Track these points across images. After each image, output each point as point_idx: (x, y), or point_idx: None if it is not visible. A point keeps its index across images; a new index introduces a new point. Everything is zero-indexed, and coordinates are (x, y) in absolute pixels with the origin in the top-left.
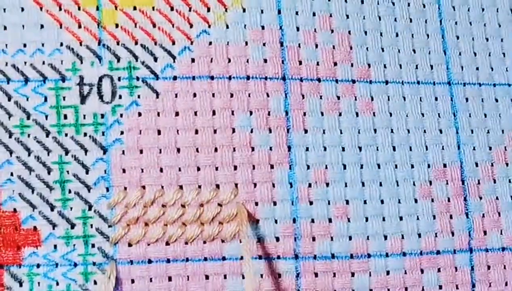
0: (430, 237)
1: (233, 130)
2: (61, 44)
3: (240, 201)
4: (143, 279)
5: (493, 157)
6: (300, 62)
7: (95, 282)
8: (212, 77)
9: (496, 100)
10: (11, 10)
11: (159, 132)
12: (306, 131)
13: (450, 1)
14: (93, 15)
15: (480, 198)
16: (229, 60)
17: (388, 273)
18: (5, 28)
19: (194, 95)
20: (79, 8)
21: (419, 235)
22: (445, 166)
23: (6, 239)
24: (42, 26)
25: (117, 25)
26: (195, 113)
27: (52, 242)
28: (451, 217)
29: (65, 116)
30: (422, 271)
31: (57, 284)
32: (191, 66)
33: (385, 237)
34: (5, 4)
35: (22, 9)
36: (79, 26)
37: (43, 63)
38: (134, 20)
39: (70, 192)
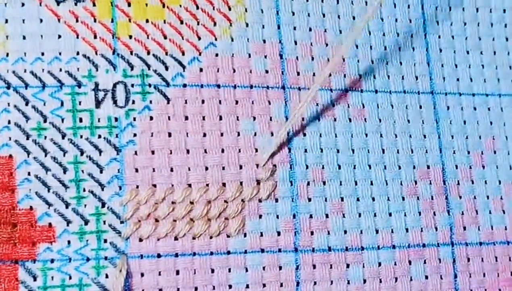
0: (417, 231)
1: (238, 134)
2: (78, 53)
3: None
4: (152, 272)
5: (471, 160)
6: (298, 73)
7: (106, 276)
8: (218, 86)
9: (475, 109)
10: (30, 20)
11: (169, 135)
12: (304, 135)
13: (434, 16)
14: (108, 27)
15: (460, 197)
16: (234, 71)
17: (379, 264)
18: (24, 37)
19: (203, 101)
20: (95, 20)
21: (407, 230)
22: (428, 167)
23: (22, 236)
24: (59, 36)
25: (130, 36)
26: (203, 118)
27: (66, 237)
28: (434, 213)
29: (81, 120)
30: (410, 262)
31: (70, 278)
32: (200, 75)
33: (377, 231)
34: (24, 15)
35: (41, 20)
36: (95, 37)
37: (60, 70)
38: (147, 32)
39: (84, 190)
